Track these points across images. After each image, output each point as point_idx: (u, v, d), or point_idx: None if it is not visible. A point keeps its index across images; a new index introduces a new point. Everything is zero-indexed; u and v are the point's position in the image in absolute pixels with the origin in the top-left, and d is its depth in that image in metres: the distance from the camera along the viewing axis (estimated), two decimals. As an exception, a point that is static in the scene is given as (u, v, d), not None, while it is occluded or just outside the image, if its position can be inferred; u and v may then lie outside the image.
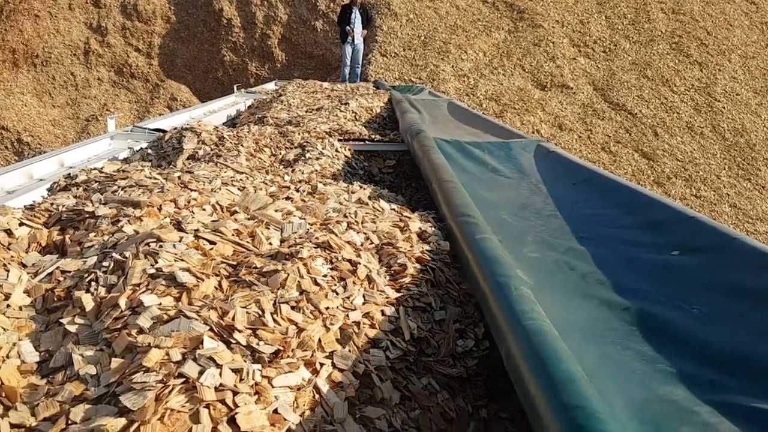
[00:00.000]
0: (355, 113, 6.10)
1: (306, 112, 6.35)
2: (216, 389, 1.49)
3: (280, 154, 4.54)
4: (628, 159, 12.41)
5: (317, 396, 1.62)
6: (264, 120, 5.84)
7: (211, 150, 4.22)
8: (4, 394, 1.56)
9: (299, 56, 14.94)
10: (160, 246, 1.92)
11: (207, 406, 1.46)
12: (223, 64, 14.80)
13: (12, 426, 1.48)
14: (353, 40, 11.60)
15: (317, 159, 4.32)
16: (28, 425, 1.49)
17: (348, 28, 11.50)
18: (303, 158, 4.37)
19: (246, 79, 14.15)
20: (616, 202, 3.25)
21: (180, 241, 1.98)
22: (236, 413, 1.46)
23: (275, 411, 1.52)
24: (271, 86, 10.25)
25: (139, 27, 14.75)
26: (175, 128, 4.56)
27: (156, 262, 1.85)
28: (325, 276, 1.94)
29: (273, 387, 1.57)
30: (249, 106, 7.86)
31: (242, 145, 4.37)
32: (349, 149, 4.79)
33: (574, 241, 2.81)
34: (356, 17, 11.53)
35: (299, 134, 4.88)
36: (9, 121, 12.32)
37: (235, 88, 9.11)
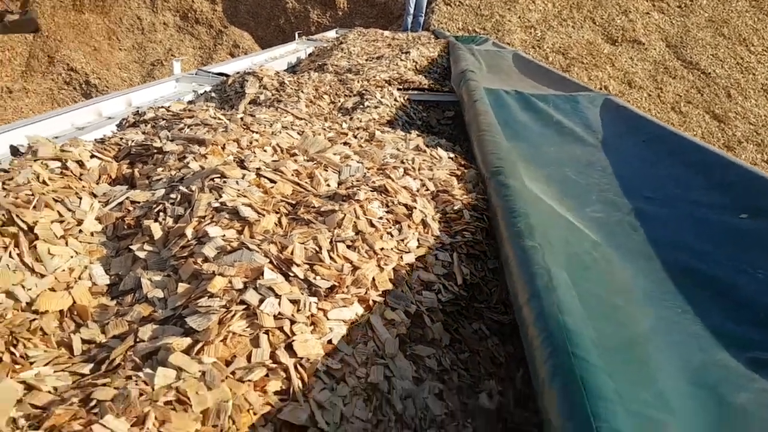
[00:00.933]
0: (416, 63, 6.03)
1: (366, 60, 6.32)
2: (275, 317, 1.56)
3: (339, 101, 4.55)
4: (698, 120, 11.89)
5: (370, 331, 1.68)
6: (324, 67, 5.85)
7: (272, 95, 4.27)
8: (76, 313, 1.67)
9: (361, 4, 14.76)
10: (224, 182, 1.98)
11: (266, 332, 1.54)
12: (285, 11, 14.78)
13: (83, 341, 1.59)
14: None
15: (375, 108, 4.32)
16: (98, 341, 1.60)
17: None
18: (361, 106, 4.38)
19: (307, 27, 14.11)
20: (685, 161, 3.13)
21: (243, 178, 2.04)
22: (293, 340, 1.53)
23: (329, 341, 1.59)
24: (332, 34, 10.20)
25: (204, -28, 14.82)
26: (238, 73, 4.63)
27: (220, 196, 1.92)
28: (380, 218, 1.97)
29: (328, 319, 1.63)
30: (309, 54, 7.87)
31: (302, 92, 4.40)
32: (408, 99, 4.76)
33: (640, 201, 2.74)
34: None
35: (358, 82, 4.87)
36: (78, 63, 12.70)
37: (296, 35, 9.10)
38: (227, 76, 4.79)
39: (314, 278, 1.68)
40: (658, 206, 2.64)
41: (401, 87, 5.04)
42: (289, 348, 1.54)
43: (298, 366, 1.51)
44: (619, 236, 2.36)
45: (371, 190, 2.09)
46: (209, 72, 5.07)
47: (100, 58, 13.44)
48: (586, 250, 2.20)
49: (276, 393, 1.45)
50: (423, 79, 5.41)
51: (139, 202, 2.01)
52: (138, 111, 3.14)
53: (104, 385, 1.38)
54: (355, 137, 2.98)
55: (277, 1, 14.86)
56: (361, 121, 3.88)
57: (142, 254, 1.79)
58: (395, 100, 4.64)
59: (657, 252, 2.21)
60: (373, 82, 4.95)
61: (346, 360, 1.59)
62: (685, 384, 1.45)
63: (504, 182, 2.30)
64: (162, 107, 3.11)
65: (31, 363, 1.47)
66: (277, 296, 1.60)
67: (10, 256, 1.69)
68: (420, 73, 5.83)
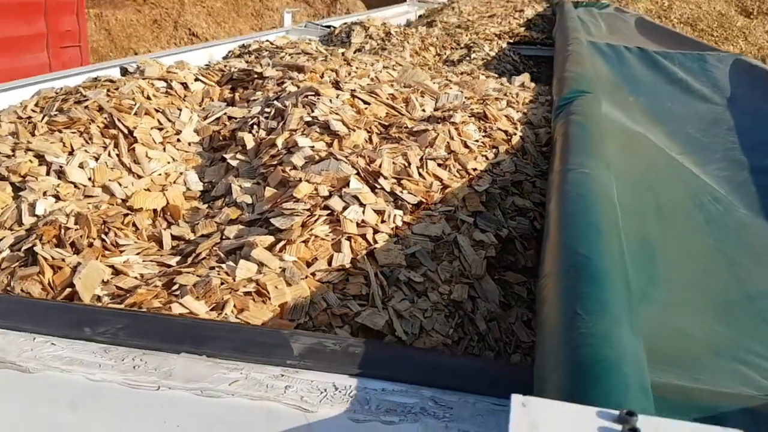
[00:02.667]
0: (530, 20, 5.78)
1: (477, 18, 6.13)
2: (358, 225, 1.52)
3: (445, 54, 4.44)
4: None
5: (456, 250, 1.60)
6: (432, 24, 5.73)
7: (378, 44, 4.23)
8: (169, 213, 1.71)
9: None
10: (318, 98, 1.95)
11: (348, 238, 1.49)
12: (399, -21, 14.69)
13: (173, 237, 1.62)
14: None
15: (482, 60, 4.17)
16: (187, 239, 1.62)
17: None
18: (468, 59, 4.24)
19: (420, -4, 13.95)
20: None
21: (336, 98, 2.01)
22: (375, 248, 1.48)
23: (413, 255, 1.52)
24: (444, -2, 10.01)
25: (320, -60, 14.99)
26: (345, 23, 4.62)
27: (312, 111, 1.89)
28: (476, 141, 1.87)
29: (413, 234, 1.57)
30: (420, 16, 7.76)
31: (408, 42, 4.33)
32: (519, 54, 4.56)
33: None
34: None
35: (467, 36, 4.73)
36: (199, 28, 13.28)
37: (407, -4, 8.99)
38: (335, 27, 4.80)
39: (401, 192, 1.62)
40: None
41: (512, 42, 4.84)
42: (371, 256, 1.49)
43: (379, 274, 1.46)
44: (744, 196, 2.15)
45: (469, 116, 1.99)
46: (318, 24, 5.10)
47: (221, 23, 13.98)
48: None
49: (355, 297, 1.41)
50: (535, 34, 5.18)
51: (235, 118, 2.03)
52: (243, 44, 3.19)
53: (188, 273, 1.39)
54: (458, 77, 2.87)
55: (391, -31, 14.81)
56: (464, 73, 3.76)
57: (234, 162, 1.80)
58: (504, 53, 4.46)
59: None
60: (482, 36, 4.79)
61: (429, 275, 1.52)
62: None
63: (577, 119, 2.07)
64: (267, 40, 3.15)
65: (121, 251, 1.51)
66: (362, 205, 1.55)
67: (109, 155, 1.75)
68: (533, 29, 5.58)
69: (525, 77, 2.77)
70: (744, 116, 3.20)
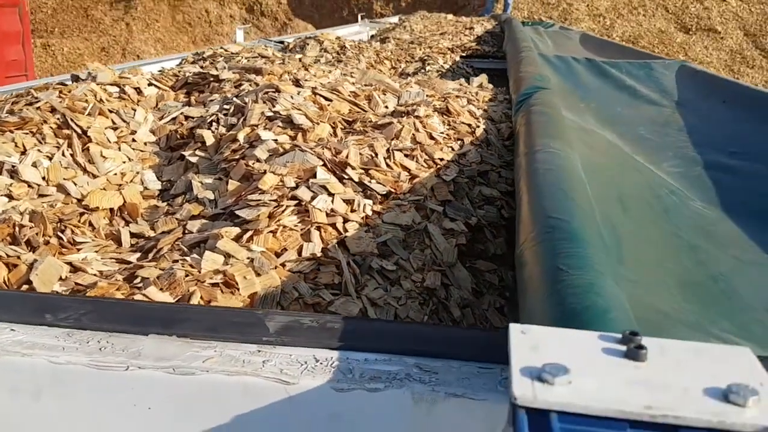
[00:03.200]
0: (480, 37, 5.89)
1: (429, 35, 6.22)
2: (327, 214, 1.48)
3: (401, 67, 4.46)
4: (779, 111, 11.21)
5: (427, 239, 1.57)
6: (386, 40, 5.78)
7: (333, 57, 4.23)
8: (126, 212, 1.64)
9: (424, -5, 14.66)
10: (278, 94, 1.92)
11: (318, 228, 1.45)
12: (349, 3, 14.84)
13: (132, 235, 1.55)
14: None
15: (437, 72, 4.21)
16: (147, 235, 1.55)
17: None
18: (423, 71, 4.28)
19: (370, 19, 14.12)
20: (773, 116, 2.92)
21: (298, 94, 1.97)
22: (346, 236, 1.45)
23: (384, 243, 1.49)
24: (394, 19, 10.15)
25: (272, -34, 15.07)
26: (299, 38, 4.61)
27: (274, 106, 1.85)
28: (441, 133, 1.86)
29: (383, 223, 1.54)
30: (372, 36, 7.83)
31: (363, 55, 4.34)
32: (472, 67, 4.63)
33: (722, 155, 2.57)
34: None
35: (421, 50, 4.78)
36: (147, 55, 13.11)
37: (359, 17, 9.09)
38: (288, 43, 4.79)
39: (369, 182, 1.59)
40: (745, 160, 2.46)
41: (465, 55, 4.91)
42: (342, 245, 1.45)
43: (352, 263, 1.42)
44: (701, 189, 2.21)
45: (433, 110, 1.99)
46: (271, 40, 5.08)
47: (170, 49, 13.83)
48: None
49: (327, 286, 1.37)
50: (487, 48, 5.27)
51: (193, 117, 1.98)
52: (197, 52, 3.14)
53: (150, 267, 1.33)
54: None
55: (341, -8, 14.95)
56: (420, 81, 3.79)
57: (194, 159, 1.75)
58: (458, 66, 4.51)
59: (747, 203, 2.05)
60: (436, 50, 4.84)
61: (401, 264, 1.49)
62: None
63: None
64: (221, 47, 3.10)
65: (79, 249, 1.43)
66: (331, 194, 1.51)
67: (63, 155, 1.67)
68: (484, 44, 5.68)
69: (483, 78, 2.80)
70: (693, 117, 3.30)
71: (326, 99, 2.00)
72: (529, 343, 0.56)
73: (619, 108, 3.47)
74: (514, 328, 0.59)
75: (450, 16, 8.75)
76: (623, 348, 0.56)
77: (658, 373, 0.54)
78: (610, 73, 4.28)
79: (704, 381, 0.53)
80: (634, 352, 0.55)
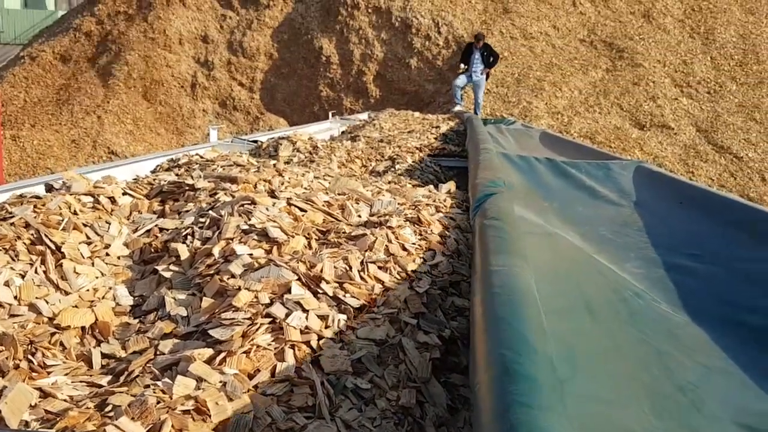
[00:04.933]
0: (445, 135, 6.11)
1: (397, 133, 6.43)
2: (302, 331, 1.48)
3: (371, 165, 4.59)
4: (733, 202, 11.67)
5: (401, 354, 1.58)
6: (356, 138, 5.95)
7: (305, 157, 4.33)
8: (98, 330, 1.62)
9: (392, 92, 15.23)
10: (254, 206, 1.96)
11: (292, 346, 1.45)
12: (320, 98, 15.31)
13: (103, 356, 1.53)
14: (470, 76, 11.65)
15: (407, 171, 4.34)
16: (118, 356, 1.53)
17: (462, 66, 11.64)
18: (392, 170, 4.40)
19: (340, 114, 14.56)
20: (728, 219, 3.05)
21: (273, 206, 2.01)
22: (320, 355, 1.44)
23: (359, 360, 1.49)
24: (364, 116, 10.48)
25: (243, 63, 15.57)
26: (272, 138, 4.72)
27: (249, 219, 1.88)
28: (413, 244, 1.91)
29: (357, 338, 1.54)
30: (342, 132, 8.05)
31: (335, 155, 4.45)
32: (440, 165, 4.78)
33: (682, 257, 2.67)
34: (477, 59, 11.56)
35: (390, 149, 4.93)
36: (118, 147, 13.21)
37: (330, 114, 9.37)
38: (262, 142, 4.90)
39: (344, 296, 1.61)
40: (704, 262, 2.56)
41: (432, 154, 5.07)
42: (316, 363, 1.44)
43: (326, 383, 1.41)
44: (664, 290, 2.28)
45: (404, 220, 2.04)
46: (244, 139, 5.19)
47: (141, 141, 13.97)
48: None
49: (300, 409, 1.35)
50: (453, 147, 5.46)
51: (167, 229, 1.99)
52: (172, 158, 3.19)
53: (121, 393, 1.30)
54: (387, 185, 2.96)
55: (312, 89, 15.45)
56: (392, 182, 3.89)
57: (167, 274, 1.75)
58: (426, 165, 4.66)
59: (707, 306, 2.13)
60: (404, 149, 5.00)
61: (376, 381, 1.48)
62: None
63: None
64: (196, 154, 3.16)
65: (49, 372, 1.40)
66: (305, 311, 1.52)
67: (36, 272, 1.66)
68: (449, 143, 5.89)
69: (451, 185, 2.90)
70: (651, 217, 3.43)
71: (301, 210, 2.05)
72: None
73: (580, 207, 3.60)
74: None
75: (417, 114, 9.07)
76: None
77: None
78: (570, 173, 4.45)
79: None
80: None
